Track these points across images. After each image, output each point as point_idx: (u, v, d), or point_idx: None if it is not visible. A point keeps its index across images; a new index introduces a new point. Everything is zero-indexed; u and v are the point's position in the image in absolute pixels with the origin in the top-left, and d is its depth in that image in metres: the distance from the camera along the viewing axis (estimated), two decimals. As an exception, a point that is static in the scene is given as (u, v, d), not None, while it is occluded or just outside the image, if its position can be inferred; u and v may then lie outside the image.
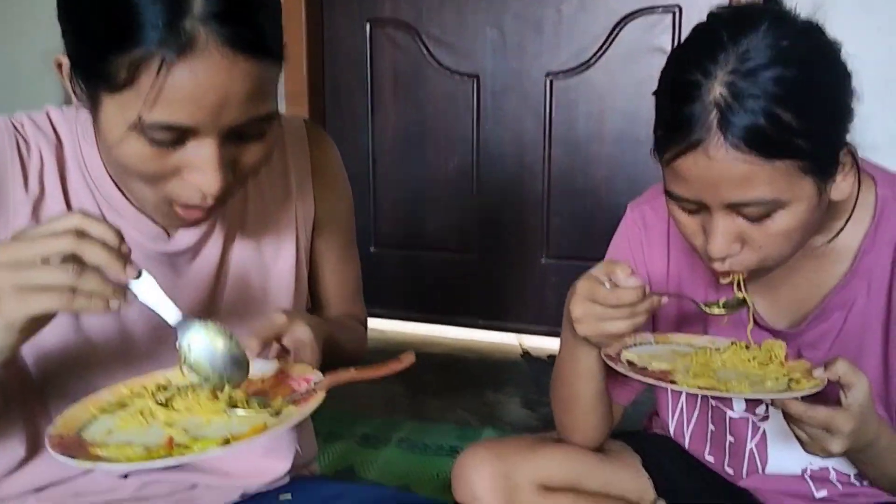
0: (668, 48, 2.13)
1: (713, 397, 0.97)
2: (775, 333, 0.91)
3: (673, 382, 0.80)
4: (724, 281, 0.85)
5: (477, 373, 2.25)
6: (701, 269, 0.96)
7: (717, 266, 0.81)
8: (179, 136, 0.66)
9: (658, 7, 2.12)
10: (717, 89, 0.72)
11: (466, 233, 2.46)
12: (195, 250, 0.84)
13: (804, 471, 0.96)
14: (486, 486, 0.96)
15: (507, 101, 2.33)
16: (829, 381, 0.76)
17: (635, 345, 0.91)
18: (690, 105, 0.73)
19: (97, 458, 0.61)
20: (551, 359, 2.36)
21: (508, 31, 2.28)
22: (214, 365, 0.68)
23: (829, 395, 0.77)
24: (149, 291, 0.65)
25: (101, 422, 0.68)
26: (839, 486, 0.95)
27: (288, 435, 0.92)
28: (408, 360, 0.76)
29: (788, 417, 0.78)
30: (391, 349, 2.39)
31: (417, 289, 2.56)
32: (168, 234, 0.82)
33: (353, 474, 1.64)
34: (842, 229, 0.86)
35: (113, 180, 0.79)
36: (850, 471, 0.94)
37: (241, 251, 0.87)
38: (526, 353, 2.39)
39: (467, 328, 2.52)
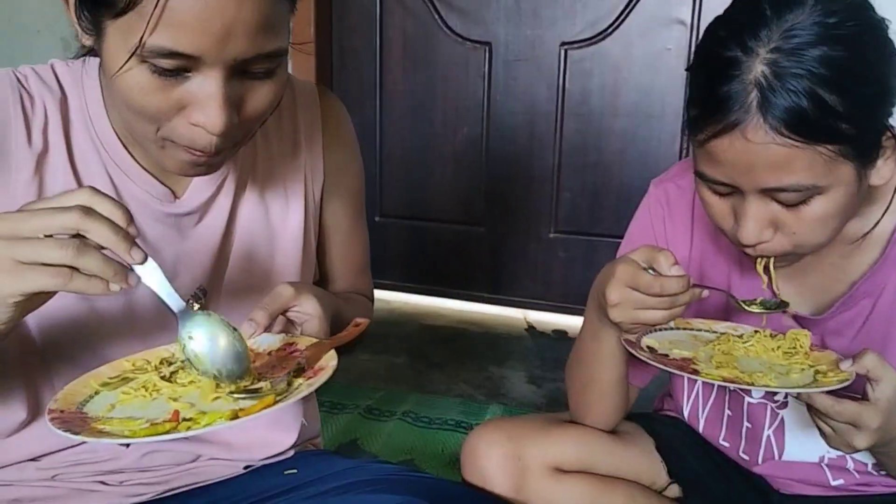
0: (688, 21, 2.07)
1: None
2: (800, 319, 0.89)
3: (695, 372, 0.77)
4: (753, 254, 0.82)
5: (481, 346, 2.23)
6: (726, 251, 0.92)
7: (748, 251, 0.78)
8: (183, 65, 0.62)
9: (678, -24, 2.06)
10: (758, 68, 0.68)
11: (474, 204, 2.42)
12: (202, 212, 0.81)
13: (821, 459, 0.94)
14: (497, 467, 0.94)
15: (519, 71, 2.27)
16: (856, 374, 0.74)
17: (655, 329, 0.87)
18: (729, 84, 0.69)
19: (100, 434, 0.59)
20: (556, 333, 2.35)
21: (523, -3, 2.22)
22: (214, 359, 0.65)
23: (854, 388, 0.74)
24: (152, 277, 0.62)
25: (102, 396, 0.66)
26: (856, 475, 0.93)
27: (294, 408, 0.90)
28: (364, 323, 0.79)
29: (813, 411, 0.75)
30: (394, 320, 2.39)
31: (423, 260, 2.53)
32: (175, 196, 0.79)
33: (357, 447, 1.63)
34: (879, 221, 0.83)
35: (119, 139, 0.76)
36: (868, 460, 0.92)
37: (249, 214, 0.85)
38: (531, 328, 2.37)
39: (472, 301, 2.50)
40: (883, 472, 0.90)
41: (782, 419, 0.95)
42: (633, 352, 0.81)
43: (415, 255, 2.53)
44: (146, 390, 0.67)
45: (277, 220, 0.87)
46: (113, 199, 0.59)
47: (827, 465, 0.94)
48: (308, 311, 0.75)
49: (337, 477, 0.88)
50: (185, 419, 0.61)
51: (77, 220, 0.56)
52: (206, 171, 0.73)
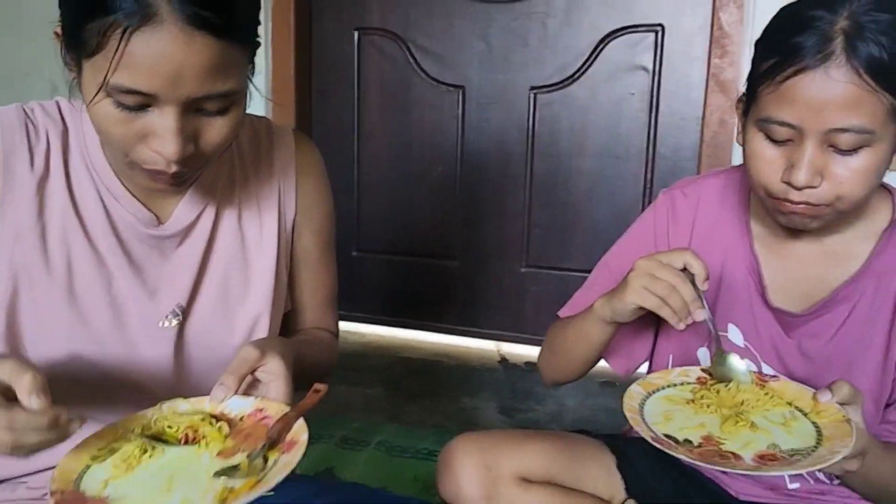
0: (650, 67, 2.19)
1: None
2: (783, 314, 0.97)
3: (729, 456, 0.78)
4: (784, 220, 0.90)
5: (455, 378, 2.28)
6: (718, 252, 1.02)
7: (795, 195, 0.85)
8: (142, 101, 0.71)
9: (641, 26, 2.18)
10: (842, 22, 0.80)
11: (448, 240, 2.50)
12: (183, 236, 0.89)
13: None
14: (469, 476, 1.00)
15: (491, 113, 2.38)
16: (830, 396, 0.81)
17: (641, 405, 0.89)
18: (815, 32, 0.80)
19: None
20: (528, 365, 2.42)
21: (495, 43, 2.33)
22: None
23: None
24: None
25: (94, 471, 0.71)
26: (811, 481, 0.99)
27: None
28: (323, 389, 0.83)
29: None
30: (370, 352, 2.44)
31: (399, 294, 2.59)
32: (159, 220, 0.88)
33: (333, 476, 1.67)
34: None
35: (112, 168, 0.85)
36: None
37: (227, 240, 0.92)
38: (504, 360, 2.43)
39: (447, 334, 2.56)
40: (836, 483, 0.97)
41: None
42: (666, 450, 0.80)
43: (391, 289, 2.59)
44: (128, 466, 0.72)
45: (253, 248, 0.94)
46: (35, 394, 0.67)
47: None
48: (273, 370, 0.80)
49: (313, 498, 0.92)
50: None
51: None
52: (174, 192, 0.83)
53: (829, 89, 0.80)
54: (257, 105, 0.87)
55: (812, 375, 0.96)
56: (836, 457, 0.74)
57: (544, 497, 1.01)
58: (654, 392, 0.91)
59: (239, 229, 0.93)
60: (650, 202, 1.13)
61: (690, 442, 0.81)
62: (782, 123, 0.84)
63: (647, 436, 0.81)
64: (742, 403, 0.87)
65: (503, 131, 2.37)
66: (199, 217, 0.90)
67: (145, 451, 0.73)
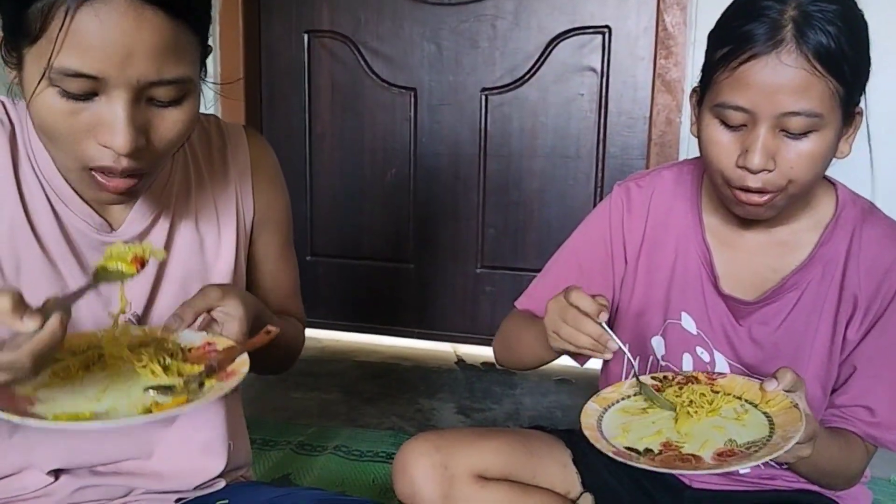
0: (598, 68, 2.23)
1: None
2: (734, 301, 0.99)
3: (690, 459, 0.80)
4: (741, 211, 0.92)
5: (412, 380, 2.28)
6: (672, 239, 1.05)
7: (751, 181, 0.87)
8: (89, 87, 0.67)
9: (589, 28, 2.21)
10: (791, 11, 0.84)
11: (403, 243, 2.50)
12: (140, 238, 0.86)
13: None
14: (425, 475, 1.00)
15: (443, 115, 2.38)
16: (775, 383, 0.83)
17: (599, 421, 0.89)
18: (767, 20, 0.84)
19: (27, 415, 0.65)
20: (485, 366, 2.43)
21: (445, 45, 2.34)
22: None
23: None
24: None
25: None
26: (761, 465, 1.00)
27: (219, 431, 0.93)
28: (275, 331, 0.83)
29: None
30: (327, 358, 2.42)
31: (354, 298, 2.58)
32: (111, 227, 0.85)
33: (289, 482, 1.65)
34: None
35: (60, 173, 0.81)
36: None
37: (184, 245, 0.90)
38: (460, 361, 2.44)
39: (403, 337, 2.56)
40: (784, 466, 0.99)
41: None
42: (623, 460, 0.81)
43: (346, 293, 2.58)
44: (66, 376, 0.72)
45: (211, 252, 0.92)
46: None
47: None
48: (231, 311, 0.80)
49: (270, 504, 0.92)
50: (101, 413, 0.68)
51: None
52: (124, 200, 0.78)
53: (780, 74, 0.83)
54: (204, 108, 0.85)
55: (762, 362, 0.99)
56: (789, 443, 0.77)
57: (501, 494, 1.02)
58: (609, 406, 0.92)
59: (196, 233, 0.90)
60: (601, 200, 1.15)
61: (651, 451, 0.82)
62: (736, 108, 0.87)
63: (608, 451, 0.82)
64: (691, 403, 0.89)
65: (455, 133, 2.38)
66: (153, 223, 0.87)
67: (87, 367, 0.74)
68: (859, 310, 0.96)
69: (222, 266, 0.93)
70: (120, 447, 0.89)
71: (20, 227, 0.80)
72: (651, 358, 1.07)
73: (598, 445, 0.83)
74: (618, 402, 0.93)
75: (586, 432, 0.86)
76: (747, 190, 0.89)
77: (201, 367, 0.75)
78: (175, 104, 0.73)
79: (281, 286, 1.04)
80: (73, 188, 0.81)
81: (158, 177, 0.85)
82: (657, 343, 1.06)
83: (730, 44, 0.87)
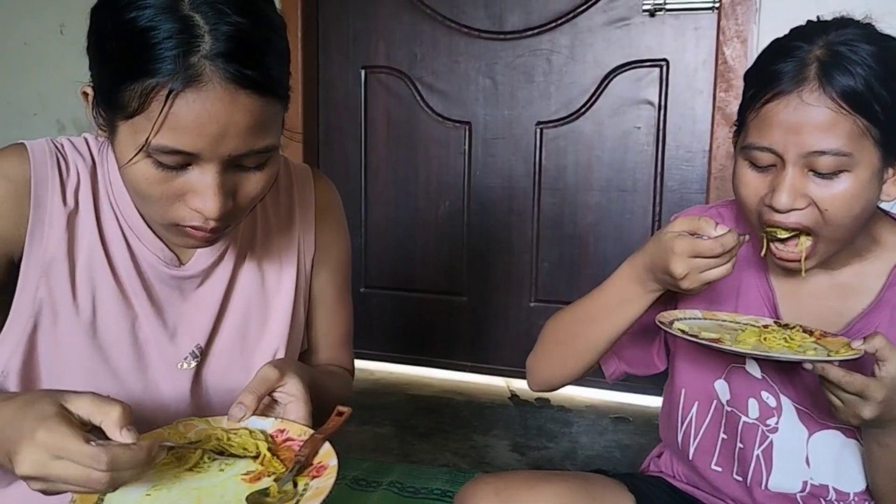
0: (656, 101, 2.20)
1: (752, 356, 0.96)
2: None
3: (719, 342, 0.87)
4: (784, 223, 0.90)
5: (465, 415, 2.26)
6: (730, 281, 1.00)
7: (782, 219, 0.87)
8: (183, 161, 0.71)
9: (646, 61, 2.20)
10: (817, 51, 0.84)
11: (456, 275, 2.50)
12: (203, 277, 0.89)
13: (804, 485, 0.98)
14: None
15: (497, 149, 2.39)
16: (865, 353, 0.82)
17: (685, 318, 0.97)
18: (792, 60, 0.85)
19: None
20: (539, 402, 2.39)
21: (500, 80, 2.35)
22: None
23: (864, 369, 0.82)
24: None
25: (121, 492, 0.69)
26: (822, 501, 0.97)
27: None
28: (347, 412, 0.82)
29: (825, 383, 0.83)
30: (379, 390, 2.42)
31: (407, 330, 2.58)
32: (180, 261, 0.88)
33: (344, 518, 1.65)
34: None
35: (136, 206, 0.84)
36: (850, 489, 0.96)
37: (246, 281, 0.92)
38: (514, 396, 2.41)
39: (456, 370, 2.54)
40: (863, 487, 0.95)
41: (771, 442, 0.99)
42: (668, 330, 0.91)
43: (399, 325, 2.58)
44: (167, 486, 0.70)
45: (272, 289, 0.94)
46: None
47: (809, 494, 0.97)
48: (292, 392, 0.80)
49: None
50: None
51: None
52: (207, 244, 0.81)
53: (803, 112, 0.83)
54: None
55: (826, 411, 0.94)
56: (853, 354, 0.80)
57: None
58: (711, 319, 0.97)
59: (259, 270, 0.93)
60: None
61: (695, 336, 0.89)
62: (762, 148, 0.87)
63: (657, 319, 0.92)
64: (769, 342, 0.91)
65: (510, 166, 2.38)
66: (220, 258, 0.90)
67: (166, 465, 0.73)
68: None
69: (282, 303, 0.94)
70: None
71: (97, 257, 0.84)
72: (715, 402, 1.04)
73: (662, 327, 0.92)
74: (723, 321, 0.98)
75: (664, 317, 0.93)
76: (782, 241, 0.89)
77: (289, 465, 0.73)
78: (259, 168, 0.76)
79: (335, 330, 1.05)
80: (146, 223, 0.84)
81: None
82: (721, 387, 1.03)
83: (758, 84, 0.88)
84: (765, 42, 2.17)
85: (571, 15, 2.25)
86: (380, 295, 2.58)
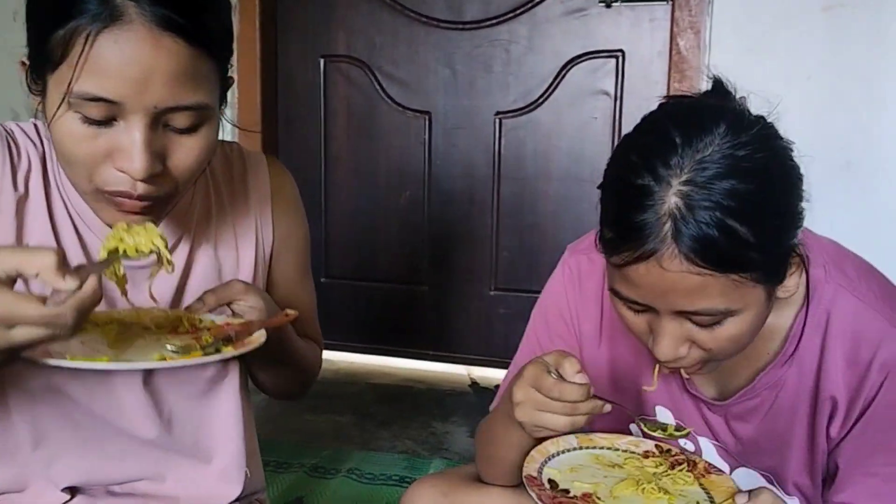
0: (612, 91, 2.24)
1: None
2: (706, 402, 0.91)
3: None
4: (667, 371, 0.84)
5: (426, 403, 2.27)
6: (630, 337, 0.90)
7: (666, 365, 0.80)
8: (107, 112, 0.69)
9: (603, 52, 2.23)
10: (671, 199, 0.69)
11: (417, 265, 2.51)
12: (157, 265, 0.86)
13: None
14: None
15: (457, 138, 2.40)
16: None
17: (559, 453, 0.86)
18: (643, 213, 0.70)
19: (45, 354, 0.68)
20: (499, 388, 2.40)
21: (459, 70, 2.36)
22: None
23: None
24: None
25: None
26: None
27: (236, 458, 0.94)
28: (293, 314, 0.86)
29: None
30: (340, 380, 2.42)
31: (368, 320, 2.58)
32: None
33: (302, 505, 1.65)
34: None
35: (67, 176, 0.82)
36: None
37: (203, 270, 0.90)
38: (474, 384, 2.43)
39: (417, 359, 2.55)
40: None
41: None
42: (531, 491, 0.78)
43: (360, 315, 2.58)
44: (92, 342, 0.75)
45: (229, 276, 0.92)
46: (37, 251, 0.62)
47: None
48: (252, 304, 0.83)
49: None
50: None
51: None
52: (137, 220, 0.78)
53: (666, 279, 0.71)
54: (222, 133, 0.87)
55: (745, 454, 0.92)
56: None
57: None
58: (588, 448, 0.88)
59: (216, 259, 0.91)
60: (556, 269, 1.04)
61: (567, 491, 0.79)
62: (630, 300, 0.76)
63: (525, 473, 0.80)
64: (658, 477, 0.83)
65: (470, 156, 2.40)
66: (173, 248, 0.87)
67: (112, 337, 0.77)
68: (839, 409, 0.84)
69: None
70: (138, 466, 0.90)
71: (48, 245, 0.82)
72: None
73: (527, 484, 0.79)
74: (601, 448, 0.89)
75: (533, 453, 0.84)
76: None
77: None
78: (192, 131, 0.74)
79: (299, 311, 1.04)
80: (94, 212, 0.83)
81: (179, 202, 0.86)
82: (636, 432, 0.97)
83: (609, 229, 0.75)
84: (718, 33, 2.21)
85: (530, 5, 2.27)
86: (341, 285, 2.58)
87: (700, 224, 0.68)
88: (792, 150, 0.75)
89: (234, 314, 0.84)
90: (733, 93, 0.78)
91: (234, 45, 0.77)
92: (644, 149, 0.73)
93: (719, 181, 0.69)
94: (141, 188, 0.73)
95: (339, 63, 2.47)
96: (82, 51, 0.66)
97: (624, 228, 0.73)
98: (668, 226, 0.69)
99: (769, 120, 0.75)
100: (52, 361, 0.67)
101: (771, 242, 0.72)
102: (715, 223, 0.68)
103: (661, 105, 0.78)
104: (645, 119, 0.77)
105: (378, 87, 2.44)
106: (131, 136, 0.70)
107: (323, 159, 2.52)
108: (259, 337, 0.78)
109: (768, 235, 0.71)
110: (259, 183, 0.96)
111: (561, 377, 0.78)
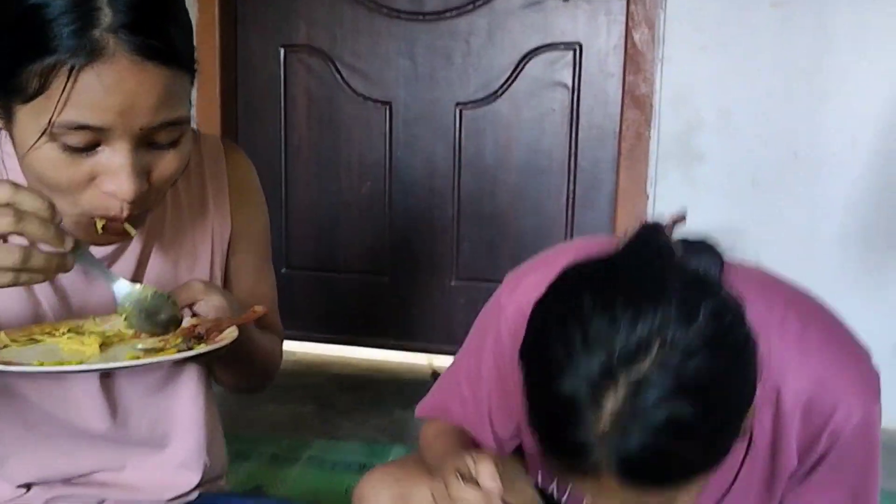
0: (569, 83, 2.27)
1: None
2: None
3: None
4: None
5: (387, 392, 2.29)
6: None
7: None
8: (92, 139, 0.68)
9: (560, 44, 2.26)
10: (603, 422, 0.60)
11: (378, 255, 2.52)
12: (111, 260, 0.85)
13: None
14: None
15: (418, 129, 2.41)
16: None
17: None
18: (574, 432, 0.62)
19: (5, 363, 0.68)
20: (435, 387, 2.41)
21: (420, 61, 2.37)
22: (143, 325, 0.76)
23: None
24: (86, 258, 0.70)
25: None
26: None
27: (196, 446, 0.94)
28: (261, 311, 0.86)
29: None
30: (301, 370, 2.42)
31: (329, 310, 2.58)
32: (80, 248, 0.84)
33: (262, 493, 1.65)
34: None
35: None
36: None
37: (157, 266, 0.89)
38: (435, 373, 2.45)
39: (378, 349, 2.57)
40: None
41: None
42: None
43: (321, 306, 2.58)
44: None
45: (185, 269, 0.90)
46: (33, 192, 0.65)
47: None
48: (215, 304, 0.81)
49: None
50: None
51: (12, 224, 0.62)
52: (119, 239, 0.79)
53: (608, 488, 0.63)
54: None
55: None
56: None
57: None
58: None
59: (170, 254, 0.89)
60: (573, 214, 1.04)
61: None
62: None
63: None
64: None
65: (430, 147, 2.41)
66: (127, 243, 0.85)
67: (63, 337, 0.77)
68: (794, 482, 0.82)
69: None
70: (93, 459, 0.89)
71: None
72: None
73: None
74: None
75: None
76: None
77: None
78: (173, 145, 0.73)
79: (259, 302, 1.03)
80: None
81: None
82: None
83: (540, 438, 0.67)
84: (671, 27, 2.26)
85: (489, -3, 2.29)
86: (302, 276, 2.58)
87: (638, 452, 0.60)
88: (753, 342, 0.65)
89: (194, 315, 0.82)
90: (668, 233, 0.67)
91: (194, 35, 0.77)
92: (567, 341, 0.62)
93: (657, 408, 0.59)
94: (128, 209, 0.72)
95: (299, 53, 2.46)
96: (64, 86, 0.65)
97: (553, 442, 0.66)
98: (604, 458, 0.61)
99: (719, 273, 0.65)
100: (16, 369, 0.67)
101: (719, 447, 0.65)
102: (653, 450, 0.60)
103: (579, 269, 0.67)
104: (565, 286, 0.67)
105: (339, 77, 2.43)
106: (118, 161, 0.69)
107: (283, 149, 2.51)
108: (231, 333, 0.77)
109: (716, 444, 0.65)
110: (217, 172, 0.93)
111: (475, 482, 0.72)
